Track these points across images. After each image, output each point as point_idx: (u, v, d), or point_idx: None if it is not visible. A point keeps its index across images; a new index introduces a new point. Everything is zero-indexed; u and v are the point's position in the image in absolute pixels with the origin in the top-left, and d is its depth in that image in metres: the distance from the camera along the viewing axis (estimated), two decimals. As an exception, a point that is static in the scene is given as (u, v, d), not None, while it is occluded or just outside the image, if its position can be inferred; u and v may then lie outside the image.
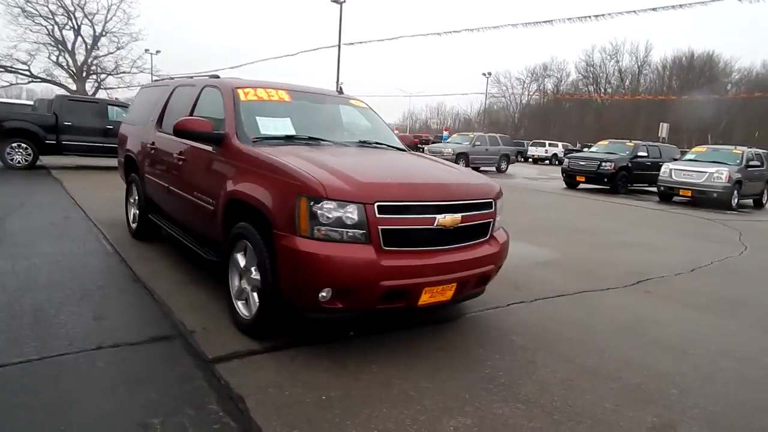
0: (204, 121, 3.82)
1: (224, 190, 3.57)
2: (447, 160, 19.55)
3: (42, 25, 40.67)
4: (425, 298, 3.17)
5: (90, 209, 7.41)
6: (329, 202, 2.89)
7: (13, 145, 11.86)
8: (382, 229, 2.96)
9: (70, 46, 42.87)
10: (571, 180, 17.05)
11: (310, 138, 3.91)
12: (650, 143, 17.55)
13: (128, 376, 2.77)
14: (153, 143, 5.02)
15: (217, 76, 4.52)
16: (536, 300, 4.56)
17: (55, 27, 41.77)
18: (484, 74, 51.69)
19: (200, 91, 4.48)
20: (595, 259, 6.43)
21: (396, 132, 5.67)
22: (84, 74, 43.73)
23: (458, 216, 3.22)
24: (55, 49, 42.34)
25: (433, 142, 31.20)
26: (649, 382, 3.12)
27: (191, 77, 5.06)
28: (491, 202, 3.56)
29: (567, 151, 33.34)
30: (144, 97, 6.10)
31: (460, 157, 21.20)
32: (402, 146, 4.55)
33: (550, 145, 39.28)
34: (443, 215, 3.15)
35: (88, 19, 42.75)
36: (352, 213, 2.91)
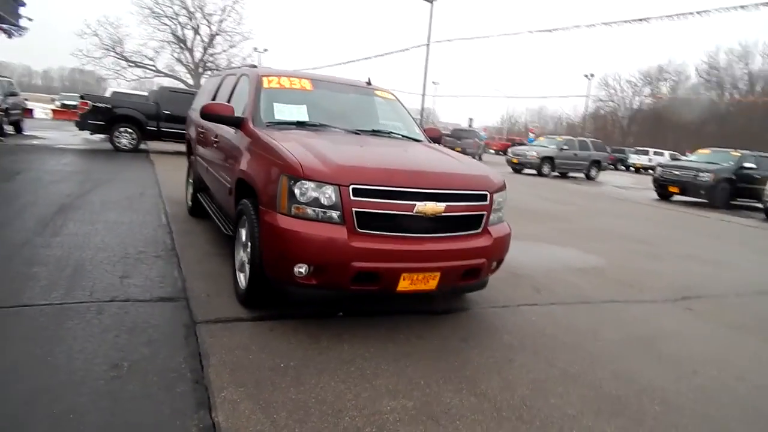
0: (226, 106, 4.13)
1: (236, 170, 3.84)
2: (531, 163, 19.07)
3: (167, 25, 44.99)
4: (405, 285, 3.21)
5: (165, 188, 8.20)
6: (306, 182, 3.03)
7: (121, 129, 13.37)
8: (356, 212, 3.04)
9: (189, 44, 46.96)
10: (663, 190, 15.74)
11: (321, 125, 4.08)
12: (762, 154, 15.68)
13: (123, 326, 3.10)
14: (201, 127, 5.48)
15: (255, 66, 4.83)
16: (552, 304, 4.38)
17: (178, 26, 45.96)
18: (585, 76, 48.87)
19: (238, 78, 4.83)
20: (645, 270, 5.98)
21: (432, 126, 5.67)
22: (200, 70, 47.51)
23: (441, 205, 3.21)
24: (177, 46, 46.64)
25: (518, 144, 30.20)
26: (631, 395, 2.92)
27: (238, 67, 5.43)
28: (486, 194, 3.50)
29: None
30: (206, 85, 6.65)
31: (545, 162, 20.42)
32: (420, 137, 4.58)
33: (655, 153, 36.36)
34: (423, 203, 3.16)
35: (206, 19, 46.52)
36: (327, 193, 3.03)
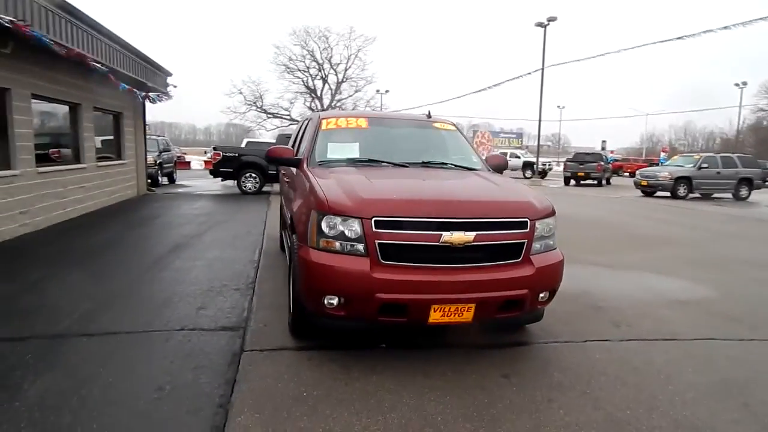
0: (287, 149, 4.47)
1: (290, 207, 4.12)
2: (662, 185, 17.33)
3: (300, 78, 49.52)
4: (436, 317, 3.15)
5: (270, 227, 8.91)
6: (332, 216, 3.16)
7: (246, 175, 14.88)
8: (379, 243, 3.09)
9: (319, 93, 51.08)
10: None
11: (371, 160, 4.21)
12: None
13: (180, 353, 3.45)
14: (282, 169, 5.95)
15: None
16: (628, 341, 3.93)
17: (309, 78, 50.33)
18: (737, 85, 43.40)
19: (307, 123, 5.19)
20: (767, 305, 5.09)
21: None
22: (328, 115, 51.02)
23: (470, 234, 3.12)
24: (308, 96, 51.00)
25: (648, 166, 27.54)
26: (687, 448, 2.51)
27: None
28: (525, 221, 3.32)
29: None
30: (294, 132, 7.21)
31: (680, 182, 18.39)
32: (477, 166, 4.49)
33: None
34: (450, 233, 3.10)
35: (333, 69, 50.35)
36: (352, 227, 3.12)
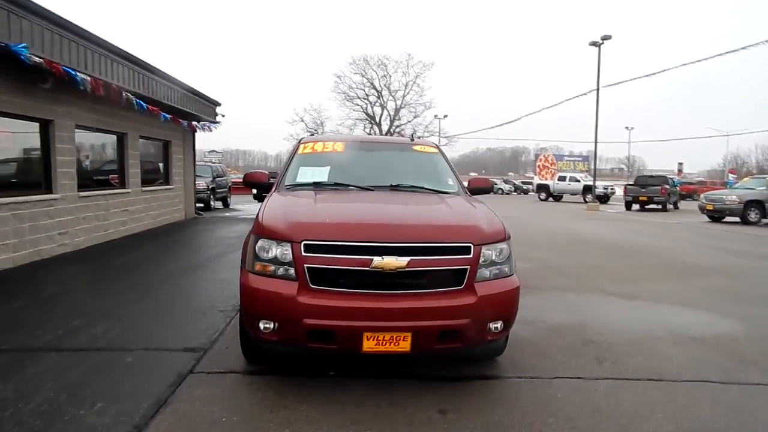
0: (263, 174, 4.54)
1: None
2: (730, 209, 16.07)
3: (359, 105, 50.77)
4: (370, 345, 3.01)
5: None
6: (265, 240, 3.14)
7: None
8: (308, 267, 3.02)
9: (377, 119, 52.02)
10: None
11: (337, 183, 4.18)
12: None
13: (132, 372, 3.52)
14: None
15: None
16: (603, 379, 3.58)
17: (368, 105, 51.45)
18: (830, 99, 39.46)
19: (294, 148, 5.26)
20: (798, 345, 4.48)
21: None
22: (387, 141, 51.62)
23: (403, 260, 2.99)
24: (368, 122, 52.10)
25: (715, 189, 25.49)
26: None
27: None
28: (467, 246, 3.14)
29: None
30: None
31: (751, 206, 16.90)
32: (452, 189, 4.33)
33: None
34: (381, 258, 2.98)
35: (392, 96, 51.21)
36: (284, 250, 3.08)
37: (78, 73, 7.17)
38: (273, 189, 4.27)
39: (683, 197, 26.54)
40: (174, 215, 13.36)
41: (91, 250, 8.69)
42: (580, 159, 56.11)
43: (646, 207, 24.30)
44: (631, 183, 25.43)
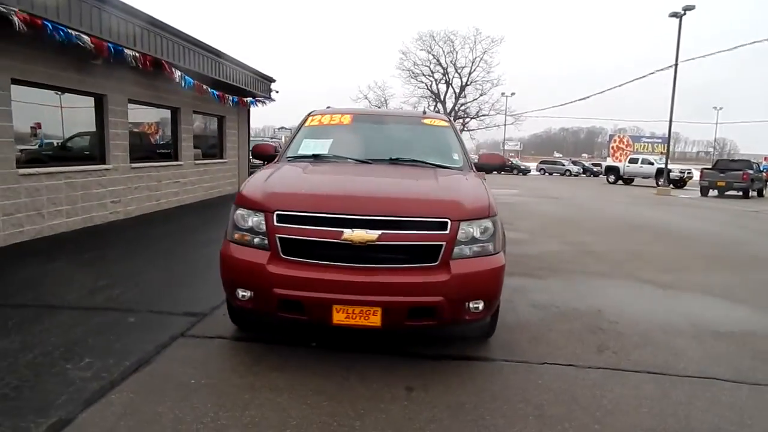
0: (268, 146, 4.59)
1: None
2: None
3: (424, 83, 50.02)
4: (340, 318, 3.00)
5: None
6: (243, 209, 3.18)
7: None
8: (279, 238, 3.03)
9: (442, 97, 51.10)
10: None
11: (335, 156, 4.15)
12: None
13: (128, 330, 3.72)
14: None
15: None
16: (599, 368, 3.37)
17: (433, 82, 50.59)
18: None
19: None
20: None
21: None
22: (451, 119, 50.59)
23: (374, 233, 2.93)
24: (432, 99, 51.32)
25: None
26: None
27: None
28: (444, 222, 3.02)
29: None
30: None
31: None
32: (457, 164, 4.18)
33: None
34: (351, 230, 2.94)
35: (458, 73, 50.03)
36: (259, 220, 3.11)
37: (125, 49, 7.53)
38: (276, 160, 4.30)
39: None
40: (227, 188, 13.88)
41: (142, 218, 9.23)
42: (659, 141, 52.54)
43: (726, 193, 22.42)
44: (710, 167, 23.49)
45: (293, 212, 3.04)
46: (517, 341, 3.78)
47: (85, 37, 6.66)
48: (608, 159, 48.84)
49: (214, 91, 11.03)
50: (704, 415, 2.82)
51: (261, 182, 3.38)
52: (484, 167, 4.44)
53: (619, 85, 65.05)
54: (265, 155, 4.57)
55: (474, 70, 49.36)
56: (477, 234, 3.12)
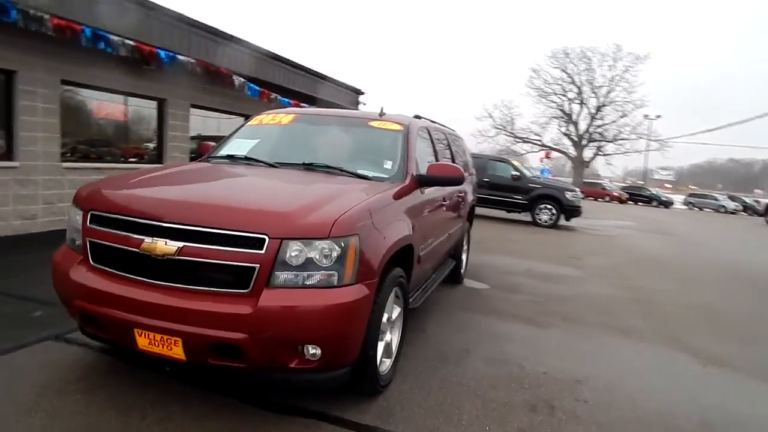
0: (207, 146, 4.27)
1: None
2: None
3: (555, 102, 46.83)
4: (144, 343, 2.51)
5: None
6: (72, 206, 2.86)
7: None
8: (90, 241, 2.65)
9: (574, 117, 47.42)
10: None
11: (248, 158, 3.72)
12: None
13: (26, 323, 3.59)
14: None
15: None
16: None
17: (566, 102, 47.15)
18: None
19: None
20: None
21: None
22: (584, 142, 46.70)
23: (173, 245, 2.41)
24: (563, 121, 47.74)
25: None
26: None
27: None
28: (260, 238, 2.38)
29: None
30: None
31: None
32: (381, 174, 3.48)
33: None
34: (152, 239, 2.44)
35: (593, 92, 46.08)
36: (78, 219, 2.76)
37: (181, 56, 7.89)
38: (200, 160, 3.98)
39: None
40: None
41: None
42: None
43: None
44: None
45: (103, 213, 2.65)
46: (406, 405, 2.92)
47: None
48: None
49: (285, 99, 11.21)
50: None
51: (112, 179, 3.04)
52: (432, 181, 3.63)
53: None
54: (200, 156, 4.27)
55: (613, 89, 45.18)
56: (315, 258, 2.42)
